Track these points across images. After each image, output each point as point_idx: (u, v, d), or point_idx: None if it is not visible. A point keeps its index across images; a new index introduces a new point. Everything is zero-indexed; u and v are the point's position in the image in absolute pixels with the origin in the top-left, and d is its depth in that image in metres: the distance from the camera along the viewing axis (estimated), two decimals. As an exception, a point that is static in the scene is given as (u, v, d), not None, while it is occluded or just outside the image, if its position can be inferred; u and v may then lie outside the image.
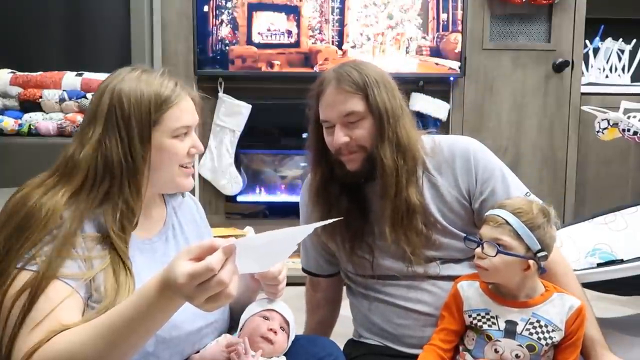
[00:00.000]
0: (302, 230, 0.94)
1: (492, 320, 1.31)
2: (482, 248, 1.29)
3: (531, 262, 1.28)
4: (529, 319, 1.29)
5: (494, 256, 1.27)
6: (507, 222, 1.28)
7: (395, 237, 1.40)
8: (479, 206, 1.44)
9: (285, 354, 1.29)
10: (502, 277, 1.30)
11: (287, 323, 1.29)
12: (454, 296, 1.38)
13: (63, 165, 1.14)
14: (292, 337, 1.31)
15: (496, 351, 1.29)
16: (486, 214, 1.34)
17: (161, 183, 1.22)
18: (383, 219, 1.41)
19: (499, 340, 1.29)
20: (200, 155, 3.28)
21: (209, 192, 3.33)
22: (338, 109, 1.39)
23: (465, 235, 1.39)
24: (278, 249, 0.97)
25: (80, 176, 1.12)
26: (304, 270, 1.67)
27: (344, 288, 1.65)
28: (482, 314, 1.32)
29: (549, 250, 1.31)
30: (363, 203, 1.47)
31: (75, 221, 1.08)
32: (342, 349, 1.42)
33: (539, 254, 1.28)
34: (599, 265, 1.69)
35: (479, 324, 1.32)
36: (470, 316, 1.34)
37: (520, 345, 1.28)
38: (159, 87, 1.17)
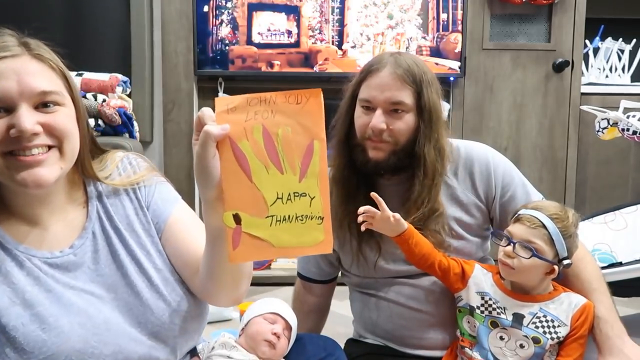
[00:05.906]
0: None
1: (500, 309, 1.32)
2: (514, 247, 1.28)
3: (555, 266, 1.29)
4: (536, 313, 1.30)
5: (528, 258, 1.26)
6: (544, 226, 1.28)
7: None
8: (498, 209, 1.44)
9: (285, 356, 1.29)
10: (525, 277, 1.31)
11: (290, 328, 1.30)
12: (466, 262, 1.39)
13: None
14: (292, 342, 1.31)
15: (501, 339, 1.31)
16: (521, 212, 1.33)
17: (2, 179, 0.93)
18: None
19: (505, 329, 1.30)
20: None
21: (209, 192, 3.32)
22: (388, 94, 1.35)
23: (492, 230, 1.38)
24: None
25: None
26: (299, 275, 1.65)
27: (345, 288, 1.65)
28: (494, 299, 1.34)
29: (571, 259, 1.31)
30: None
31: None
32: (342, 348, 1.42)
33: (564, 262, 1.29)
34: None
35: (490, 308, 1.33)
36: (482, 298, 1.34)
37: (525, 336, 1.29)
38: None
